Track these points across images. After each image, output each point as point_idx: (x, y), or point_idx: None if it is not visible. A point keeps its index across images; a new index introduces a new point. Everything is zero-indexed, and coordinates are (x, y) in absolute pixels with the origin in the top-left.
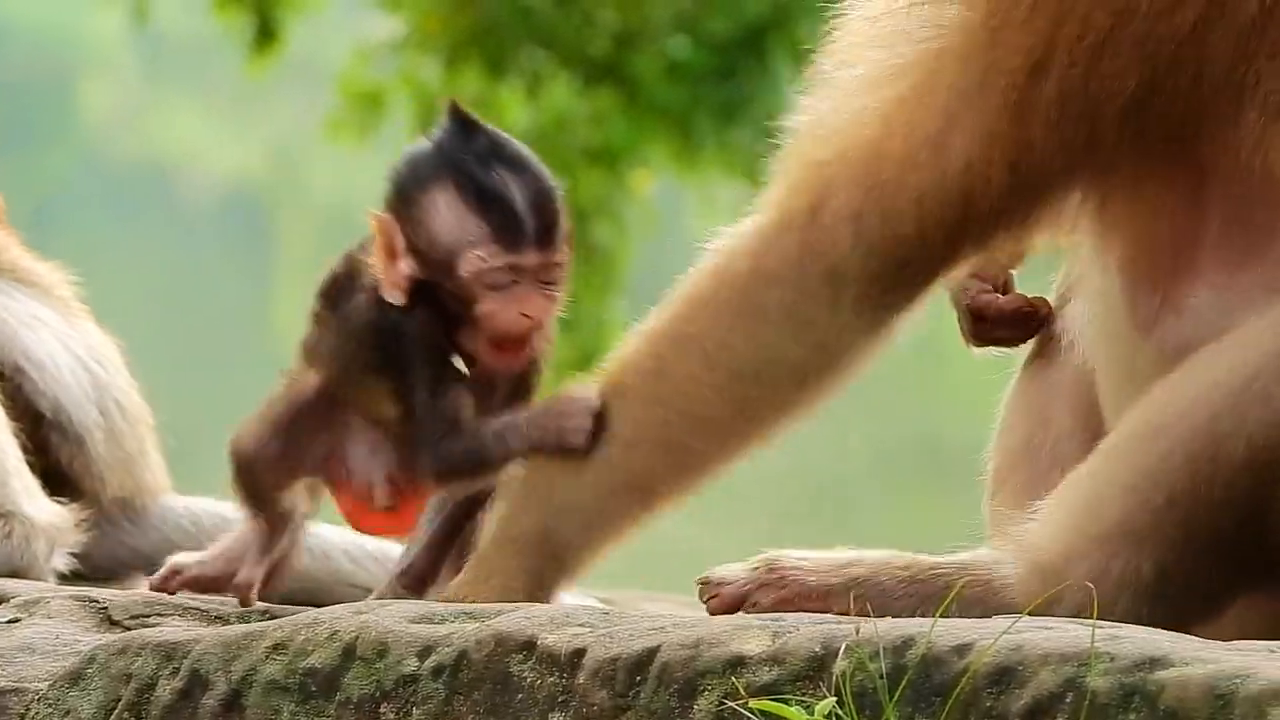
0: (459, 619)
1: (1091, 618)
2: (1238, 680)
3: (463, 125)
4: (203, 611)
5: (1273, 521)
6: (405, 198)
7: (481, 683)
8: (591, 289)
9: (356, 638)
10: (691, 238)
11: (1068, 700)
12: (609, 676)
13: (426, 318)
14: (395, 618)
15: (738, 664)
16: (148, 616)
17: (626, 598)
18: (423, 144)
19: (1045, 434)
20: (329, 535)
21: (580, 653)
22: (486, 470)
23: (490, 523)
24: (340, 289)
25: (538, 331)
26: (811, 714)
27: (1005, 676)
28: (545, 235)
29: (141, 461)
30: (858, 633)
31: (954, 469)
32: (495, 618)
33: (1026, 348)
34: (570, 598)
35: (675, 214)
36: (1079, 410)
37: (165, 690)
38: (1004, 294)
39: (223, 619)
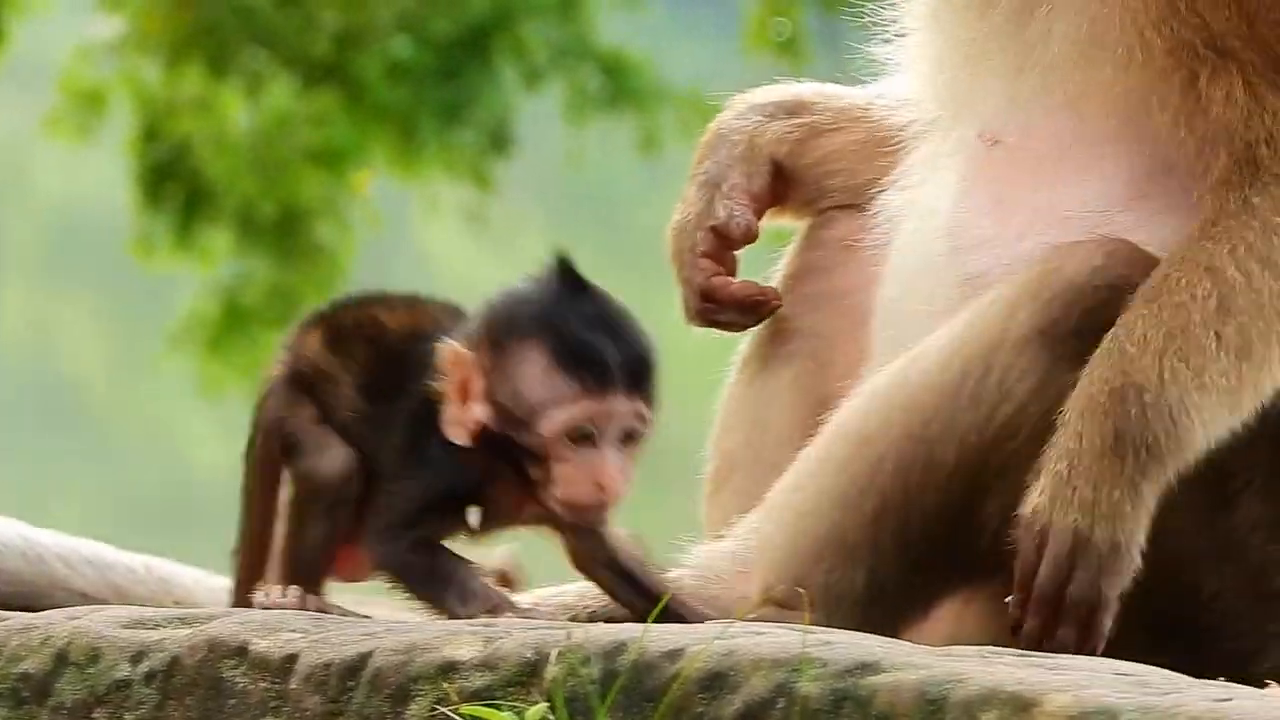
0: (172, 624)
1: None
2: (949, 685)
3: (569, 283)
4: None
5: (985, 523)
6: (495, 344)
7: (194, 688)
8: (313, 288)
9: (69, 643)
10: (414, 238)
11: (779, 705)
12: (321, 682)
13: (485, 461)
14: (108, 623)
15: (450, 669)
16: None
17: (341, 601)
18: (523, 290)
19: (763, 438)
20: (43, 540)
21: (293, 658)
22: (418, 596)
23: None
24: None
25: (610, 503)
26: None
27: (717, 682)
28: (633, 385)
29: None
30: (569, 638)
31: (675, 468)
32: (208, 623)
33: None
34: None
35: (397, 214)
36: (798, 415)
37: None
38: (734, 277)
39: None
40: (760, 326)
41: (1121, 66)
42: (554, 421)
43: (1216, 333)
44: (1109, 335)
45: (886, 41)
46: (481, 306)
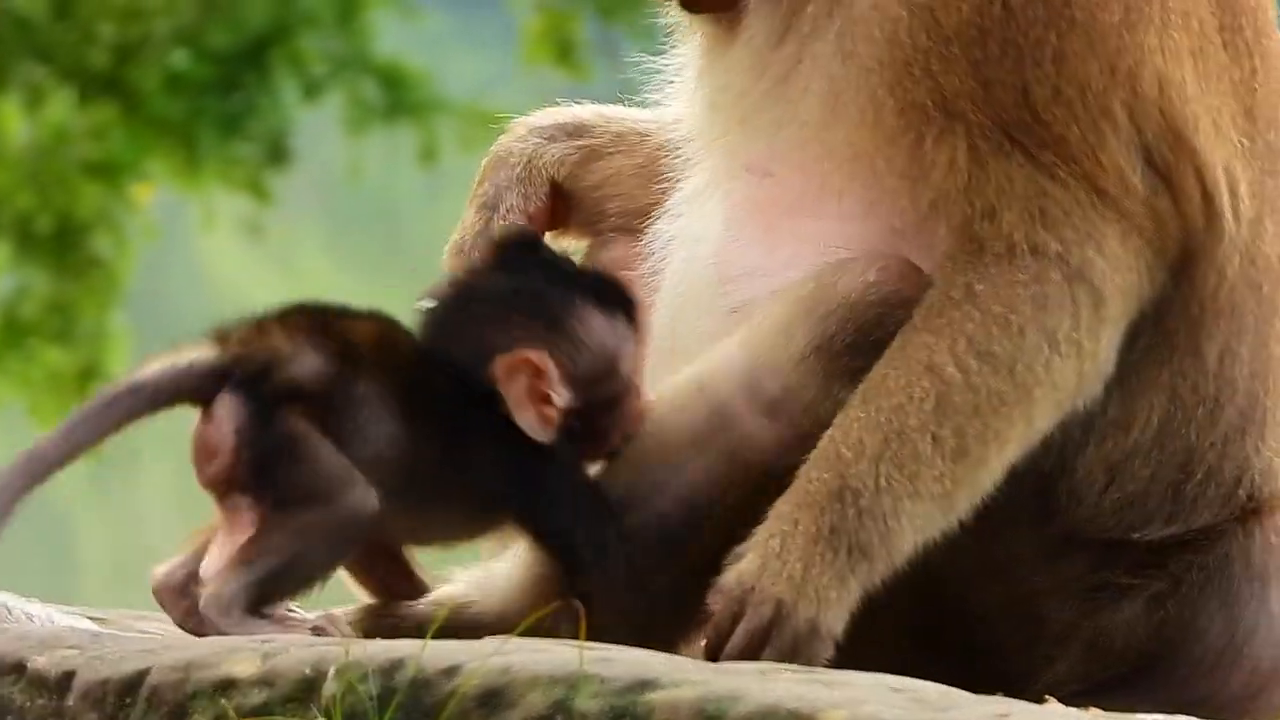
0: None
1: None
2: (728, 702)
3: (536, 248)
4: None
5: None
6: (554, 330)
7: None
8: (91, 301)
9: None
10: (192, 251)
11: None
12: (99, 699)
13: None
14: None
15: (228, 686)
16: None
17: (119, 617)
18: (513, 281)
19: None
20: None
21: (70, 675)
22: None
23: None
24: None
25: None
26: None
27: (494, 698)
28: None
29: None
30: (348, 654)
31: None
32: None
33: None
34: (61, 618)
35: (176, 227)
36: None
37: None
38: None
39: None
40: None
41: (854, 127)
42: (632, 358)
43: (933, 435)
44: (826, 437)
45: (665, 61)
46: (485, 310)
